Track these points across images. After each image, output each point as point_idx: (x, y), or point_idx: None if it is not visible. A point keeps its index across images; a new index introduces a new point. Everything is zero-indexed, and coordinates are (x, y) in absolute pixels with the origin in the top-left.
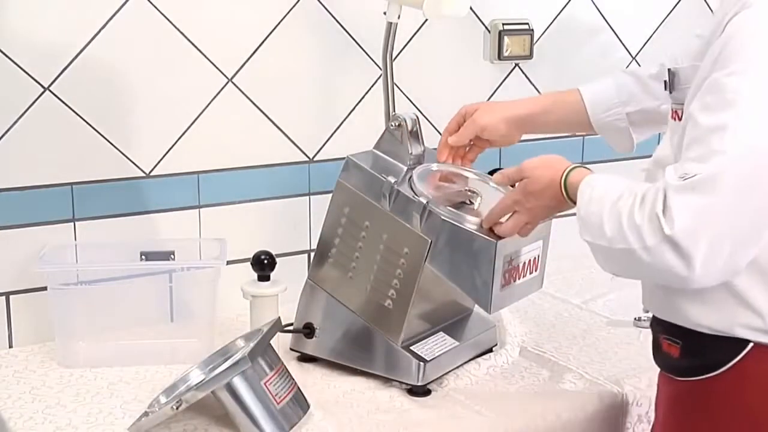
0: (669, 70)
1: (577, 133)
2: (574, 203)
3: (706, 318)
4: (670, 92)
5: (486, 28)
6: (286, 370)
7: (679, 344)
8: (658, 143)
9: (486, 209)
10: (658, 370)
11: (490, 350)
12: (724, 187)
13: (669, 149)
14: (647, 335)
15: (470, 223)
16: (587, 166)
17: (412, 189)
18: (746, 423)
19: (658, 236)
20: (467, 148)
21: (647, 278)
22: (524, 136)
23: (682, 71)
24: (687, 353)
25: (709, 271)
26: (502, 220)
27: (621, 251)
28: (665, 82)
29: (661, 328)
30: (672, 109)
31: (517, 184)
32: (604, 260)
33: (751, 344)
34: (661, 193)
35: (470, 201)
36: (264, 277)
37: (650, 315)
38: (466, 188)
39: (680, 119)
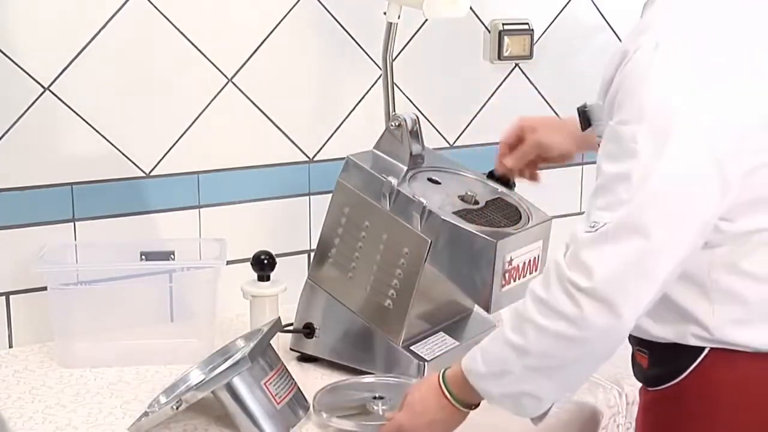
0: (577, 109)
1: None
2: (459, 402)
3: (662, 331)
4: (583, 129)
5: (486, 28)
6: (286, 370)
7: (647, 354)
8: None
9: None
10: None
11: None
12: (637, 231)
13: None
14: None
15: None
16: None
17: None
18: (714, 427)
19: (577, 296)
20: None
21: (583, 364)
22: None
23: (595, 108)
24: (654, 362)
25: (635, 314)
26: None
27: (550, 346)
28: (579, 121)
29: (634, 340)
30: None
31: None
32: (539, 381)
33: (708, 348)
34: (562, 262)
35: (475, 201)
36: (264, 277)
37: None
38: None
39: None
